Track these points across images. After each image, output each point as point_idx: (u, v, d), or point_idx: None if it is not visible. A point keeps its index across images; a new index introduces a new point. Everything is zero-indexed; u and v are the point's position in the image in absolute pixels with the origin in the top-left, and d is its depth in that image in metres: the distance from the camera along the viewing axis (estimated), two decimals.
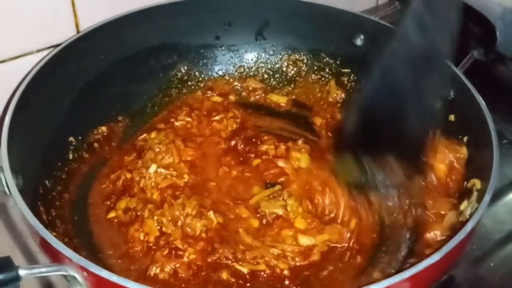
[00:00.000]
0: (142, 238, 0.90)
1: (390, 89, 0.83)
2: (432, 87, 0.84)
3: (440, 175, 0.93)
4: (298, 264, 0.87)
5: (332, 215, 0.95)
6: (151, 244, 0.89)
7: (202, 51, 1.17)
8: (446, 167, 0.93)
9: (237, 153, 1.05)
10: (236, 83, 1.20)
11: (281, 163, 1.03)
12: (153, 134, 1.05)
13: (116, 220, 0.93)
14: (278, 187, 0.97)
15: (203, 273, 0.85)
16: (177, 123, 1.09)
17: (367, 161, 0.92)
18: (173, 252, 0.87)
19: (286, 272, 0.86)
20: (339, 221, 0.94)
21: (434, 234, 0.86)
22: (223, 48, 1.19)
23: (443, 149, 0.94)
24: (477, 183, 0.85)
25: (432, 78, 0.82)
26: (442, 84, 0.88)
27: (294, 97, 1.19)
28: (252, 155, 1.05)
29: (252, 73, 1.21)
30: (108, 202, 0.96)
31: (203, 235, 0.90)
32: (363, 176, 0.94)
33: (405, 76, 0.82)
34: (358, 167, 0.93)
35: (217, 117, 1.11)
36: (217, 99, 1.17)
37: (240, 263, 0.86)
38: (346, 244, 0.91)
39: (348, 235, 0.92)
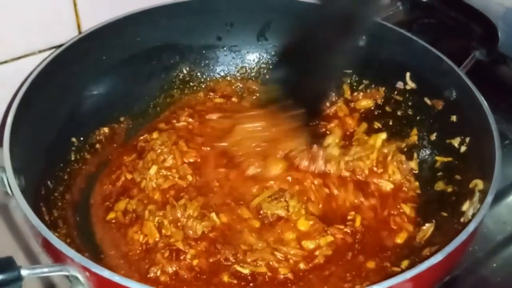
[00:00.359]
0: (141, 240, 0.89)
1: (311, 42, 0.94)
2: (342, 50, 0.94)
3: None
4: (301, 268, 0.87)
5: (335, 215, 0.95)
6: (150, 246, 0.89)
7: (204, 52, 1.17)
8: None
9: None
10: (238, 84, 1.20)
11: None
12: (154, 135, 1.05)
13: (114, 221, 0.93)
14: (275, 187, 0.97)
15: (204, 276, 0.85)
16: (178, 124, 1.09)
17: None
18: (174, 254, 0.87)
19: (288, 275, 0.86)
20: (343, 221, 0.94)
21: None
22: (225, 49, 1.19)
23: None
24: (479, 183, 0.85)
25: (344, 40, 0.92)
26: (350, 52, 0.97)
27: None
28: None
29: (253, 74, 1.21)
30: (108, 203, 0.96)
31: (210, 235, 0.90)
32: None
33: (325, 34, 0.91)
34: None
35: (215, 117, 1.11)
36: (220, 100, 1.17)
37: (241, 264, 0.86)
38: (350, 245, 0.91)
39: (352, 236, 0.92)
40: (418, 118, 1.06)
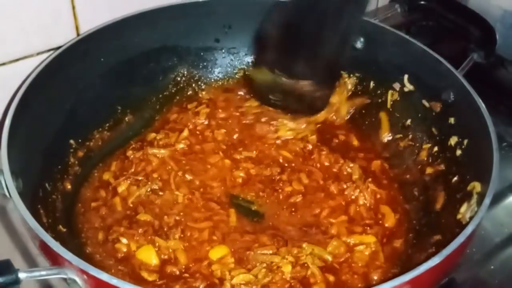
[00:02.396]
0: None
1: (311, 11, 0.87)
2: (349, 21, 0.89)
3: None
4: None
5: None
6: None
7: (202, 53, 1.17)
8: None
9: None
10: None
11: None
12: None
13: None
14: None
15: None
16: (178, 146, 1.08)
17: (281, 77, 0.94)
18: None
19: None
20: None
21: None
22: (223, 51, 1.19)
23: None
24: (477, 186, 0.85)
25: (351, 12, 0.88)
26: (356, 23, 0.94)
27: None
28: None
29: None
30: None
31: None
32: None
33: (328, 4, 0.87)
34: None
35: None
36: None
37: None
38: None
39: None
40: (416, 120, 1.07)
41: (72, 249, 0.69)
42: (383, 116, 1.11)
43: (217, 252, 0.89)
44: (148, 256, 0.87)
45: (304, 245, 0.89)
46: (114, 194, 0.98)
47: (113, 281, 0.66)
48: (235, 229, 0.94)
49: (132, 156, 1.03)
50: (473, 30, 1.16)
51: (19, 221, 0.83)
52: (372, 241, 0.91)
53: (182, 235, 0.91)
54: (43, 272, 0.69)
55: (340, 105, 1.12)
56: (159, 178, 0.99)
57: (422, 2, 1.25)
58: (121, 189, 0.97)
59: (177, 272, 0.86)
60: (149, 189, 0.97)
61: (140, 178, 0.99)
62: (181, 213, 0.95)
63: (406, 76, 1.08)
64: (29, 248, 0.91)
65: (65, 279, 0.69)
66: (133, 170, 1.01)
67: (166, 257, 0.88)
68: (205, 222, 0.94)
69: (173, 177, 1.00)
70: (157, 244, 0.88)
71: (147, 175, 1.00)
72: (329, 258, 0.89)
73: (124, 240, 0.89)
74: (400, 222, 0.96)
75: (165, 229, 0.91)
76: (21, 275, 0.66)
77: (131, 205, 0.96)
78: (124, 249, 0.88)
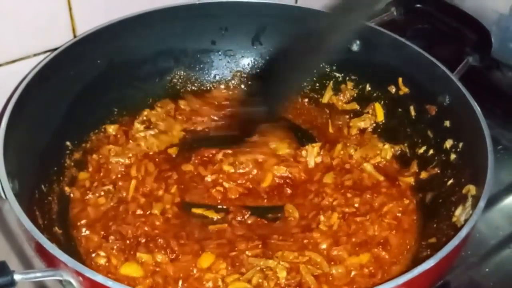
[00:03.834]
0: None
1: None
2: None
3: None
4: None
5: None
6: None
7: (198, 56, 1.18)
8: None
9: None
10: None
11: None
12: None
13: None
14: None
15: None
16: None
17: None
18: None
19: None
20: None
21: None
22: (220, 53, 1.19)
23: None
24: (472, 189, 0.85)
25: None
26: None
27: None
28: None
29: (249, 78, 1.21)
30: None
31: None
32: None
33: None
34: None
35: None
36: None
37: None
38: None
39: None
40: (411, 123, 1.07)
41: (67, 251, 0.69)
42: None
43: (205, 261, 0.86)
44: (133, 271, 0.84)
45: (306, 252, 0.88)
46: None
47: (108, 283, 0.66)
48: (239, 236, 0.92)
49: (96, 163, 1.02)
50: (469, 34, 1.16)
51: (15, 222, 0.83)
52: (367, 260, 0.89)
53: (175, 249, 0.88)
54: (39, 274, 0.69)
55: None
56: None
57: (418, 5, 1.25)
58: (91, 201, 0.95)
59: (165, 284, 0.84)
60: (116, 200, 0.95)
61: (108, 188, 0.97)
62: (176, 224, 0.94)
63: (401, 79, 1.08)
64: (24, 250, 0.91)
65: (60, 281, 0.69)
66: (102, 174, 1.00)
67: (151, 269, 0.85)
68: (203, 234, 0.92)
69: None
70: (142, 261, 0.85)
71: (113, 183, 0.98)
72: (328, 270, 0.86)
73: (102, 253, 0.87)
74: (395, 225, 0.96)
75: (147, 243, 0.88)
76: (17, 277, 0.66)
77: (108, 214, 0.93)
78: (102, 261, 0.86)
